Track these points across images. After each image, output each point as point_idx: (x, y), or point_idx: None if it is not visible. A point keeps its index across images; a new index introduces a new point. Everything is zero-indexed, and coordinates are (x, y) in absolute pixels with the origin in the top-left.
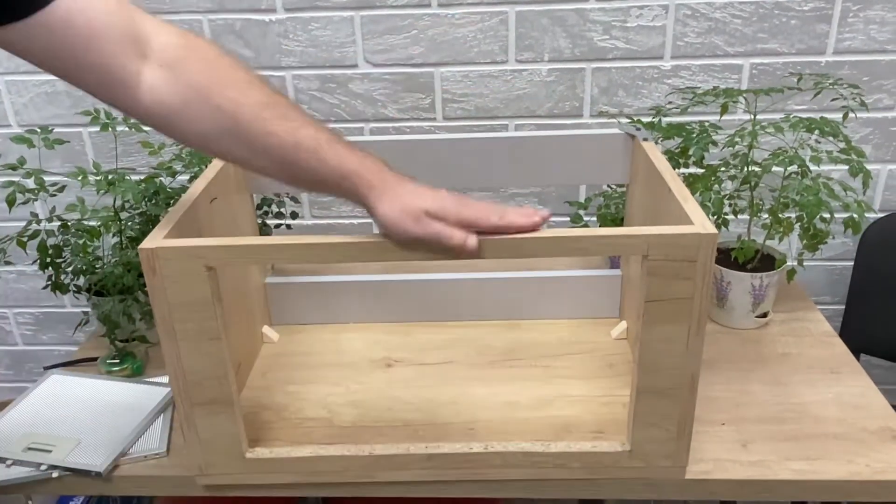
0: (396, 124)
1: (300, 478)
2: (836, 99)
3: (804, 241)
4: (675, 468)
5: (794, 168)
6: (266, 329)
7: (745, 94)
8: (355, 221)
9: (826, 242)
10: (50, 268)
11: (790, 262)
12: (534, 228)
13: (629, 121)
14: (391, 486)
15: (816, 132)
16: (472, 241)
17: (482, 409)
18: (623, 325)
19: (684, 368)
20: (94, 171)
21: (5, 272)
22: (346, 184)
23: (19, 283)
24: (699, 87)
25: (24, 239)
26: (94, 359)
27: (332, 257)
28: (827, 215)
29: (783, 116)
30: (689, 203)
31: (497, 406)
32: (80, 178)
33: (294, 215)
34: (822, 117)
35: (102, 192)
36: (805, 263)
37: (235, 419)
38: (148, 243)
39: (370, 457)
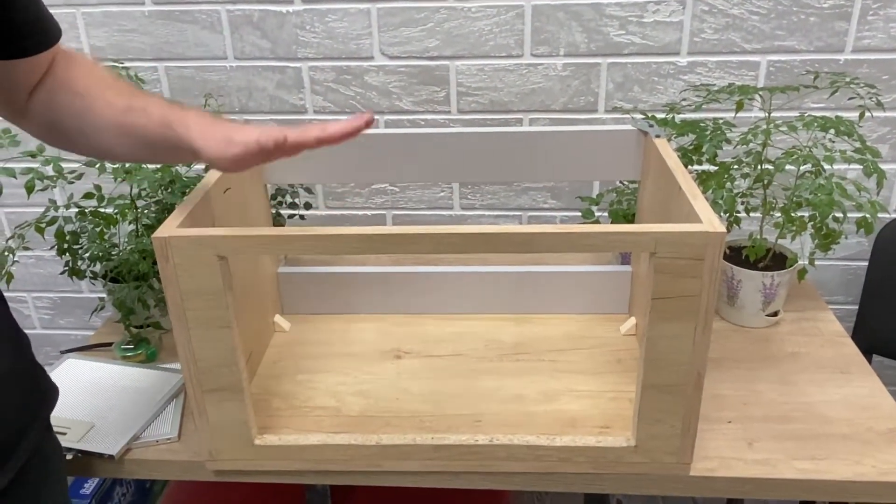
0: (411, 117)
1: (308, 465)
2: (853, 98)
3: (816, 241)
4: (680, 465)
5: (807, 167)
6: (278, 318)
7: (759, 92)
8: (369, 213)
9: (839, 242)
10: (67, 254)
11: (802, 262)
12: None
13: (643, 117)
14: (397, 476)
15: (831, 131)
16: (289, 133)
17: (489, 402)
18: (632, 321)
19: (690, 366)
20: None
21: (24, 257)
22: (169, 132)
23: (38, 268)
24: (715, 84)
25: (43, 225)
26: (110, 344)
27: (341, 249)
28: (839, 215)
29: (798, 115)
30: (699, 201)
31: (504, 399)
32: (97, 166)
33: (308, 206)
34: (837, 116)
35: (119, 180)
36: (820, 263)
37: (245, 406)
38: (161, 232)
39: (377, 446)
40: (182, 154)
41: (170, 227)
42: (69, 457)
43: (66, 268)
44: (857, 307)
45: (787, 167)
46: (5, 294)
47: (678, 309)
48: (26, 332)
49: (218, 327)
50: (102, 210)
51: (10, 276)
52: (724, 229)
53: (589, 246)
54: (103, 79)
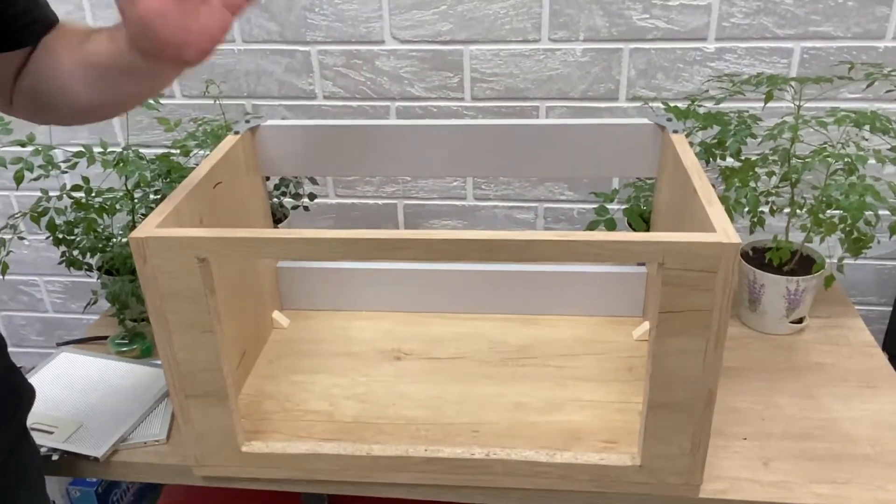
0: (423, 103)
1: (296, 474)
2: (892, 90)
3: (846, 245)
4: (688, 486)
5: (839, 165)
6: (276, 314)
7: (790, 83)
8: (380, 202)
9: (870, 247)
10: (63, 244)
11: (830, 262)
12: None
13: (664, 107)
14: (389, 488)
15: (865, 127)
16: None
17: (489, 411)
18: (646, 325)
19: (701, 384)
20: (102, 149)
21: (35, 241)
22: (115, 44)
23: (49, 252)
24: (744, 73)
25: (36, 214)
26: (105, 338)
27: (325, 254)
28: (872, 218)
29: (829, 109)
30: (714, 206)
31: (505, 407)
32: (86, 157)
33: (312, 196)
34: (872, 111)
35: (109, 170)
36: (852, 262)
37: (230, 413)
38: (139, 232)
39: (368, 457)
40: (135, 66)
41: (148, 227)
42: (55, 457)
43: (64, 258)
44: (890, 309)
45: (816, 165)
46: (12, 278)
47: (688, 324)
48: (39, 315)
49: (200, 332)
50: (91, 201)
51: (5, 266)
52: (738, 240)
53: (593, 255)
54: (63, 26)
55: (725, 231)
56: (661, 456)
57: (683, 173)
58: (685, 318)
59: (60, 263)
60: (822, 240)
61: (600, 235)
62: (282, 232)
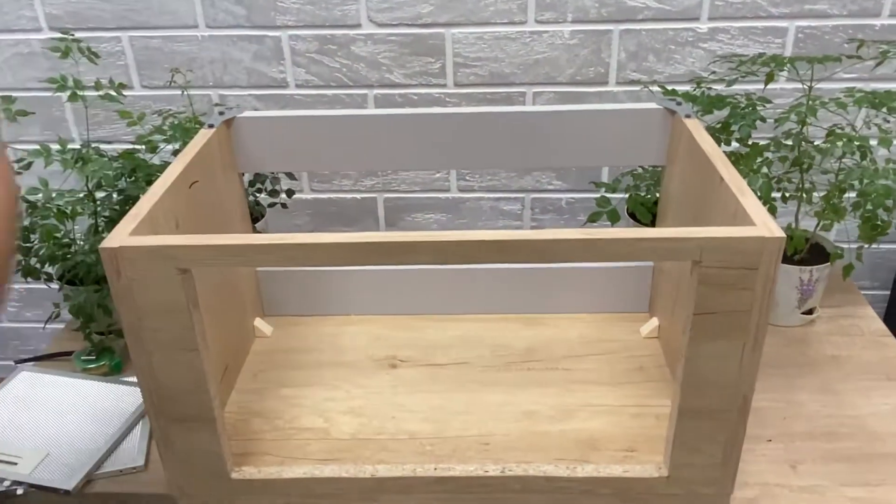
0: (403, 91)
1: (292, 500)
2: None
3: (861, 232)
4: (719, 496)
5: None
6: (258, 322)
7: (795, 63)
8: (358, 196)
9: (887, 234)
10: (18, 253)
11: (842, 247)
12: None
13: (661, 90)
14: None
15: (884, 109)
16: None
17: (497, 421)
18: (654, 322)
19: (735, 389)
20: (60, 147)
21: None
22: None
23: None
24: (744, 55)
25: None
26: (70, 353)
27: (325, 260)
28: (890, 202)
29: (846, 90)
30: (748, 197)
31: (514, 417)
32: (43, 156)
33: (290, 193)
34: (887, 91)
35: (69, 171)
36: (844, 245)
37: (218, 437)
38: (110, 241)
39: (371, 479)
40: None
41: (121, 235)
42: (20, 492)
43: (20, 268)
44: (886, 292)
45: (824, 149)
46: None
47: (724, 326)
48: None
49: (183, 350)
50: (50, 205)
51: None
52: (781, 234)
53: (621, 254)
54: None
55: (766, 224)
56: (690, 465)
57: (703, 161)
58: (722, 320)
59: (16, 273)
60: (830, 226)
61: (629, 233)
62: (275, 237)
